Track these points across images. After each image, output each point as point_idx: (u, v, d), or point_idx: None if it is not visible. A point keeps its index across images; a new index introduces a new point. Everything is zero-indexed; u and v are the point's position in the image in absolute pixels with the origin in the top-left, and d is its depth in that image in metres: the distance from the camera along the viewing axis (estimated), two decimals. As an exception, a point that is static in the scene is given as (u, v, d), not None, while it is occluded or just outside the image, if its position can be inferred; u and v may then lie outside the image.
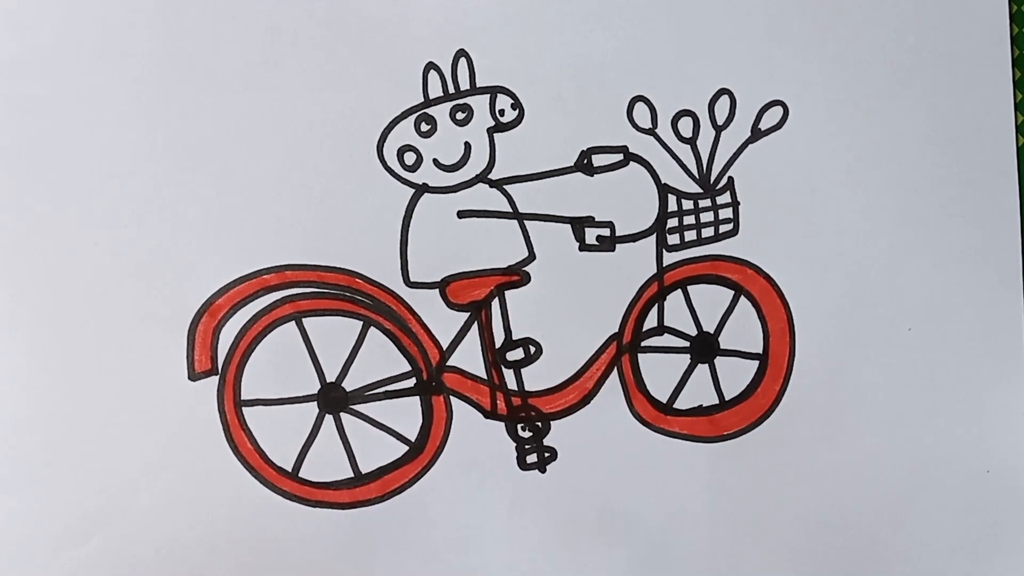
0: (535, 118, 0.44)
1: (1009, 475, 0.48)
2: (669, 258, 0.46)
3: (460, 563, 0.46)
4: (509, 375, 0.46)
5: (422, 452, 0.45)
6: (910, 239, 0.47)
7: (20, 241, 0.43)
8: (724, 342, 0.47)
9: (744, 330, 0.47)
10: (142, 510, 0.44)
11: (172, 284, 0.44)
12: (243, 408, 0.44)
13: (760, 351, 0.47)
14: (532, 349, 0.46)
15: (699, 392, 0.47)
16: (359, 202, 0.44)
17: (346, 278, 0.44)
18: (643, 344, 0.46)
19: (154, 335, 0.44)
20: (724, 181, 0.46)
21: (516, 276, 0.45)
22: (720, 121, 0.45)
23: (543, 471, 0.46)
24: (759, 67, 0.45)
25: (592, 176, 0.45)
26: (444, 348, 0.45)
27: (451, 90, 0.44)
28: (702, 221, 0.46)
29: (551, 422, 0.46)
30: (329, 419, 0.45)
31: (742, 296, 0.46)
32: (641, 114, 0.45)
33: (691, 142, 0.45)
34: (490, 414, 0.46)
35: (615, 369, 0.46)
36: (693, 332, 0.47)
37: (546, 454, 0.46)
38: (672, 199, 0.46)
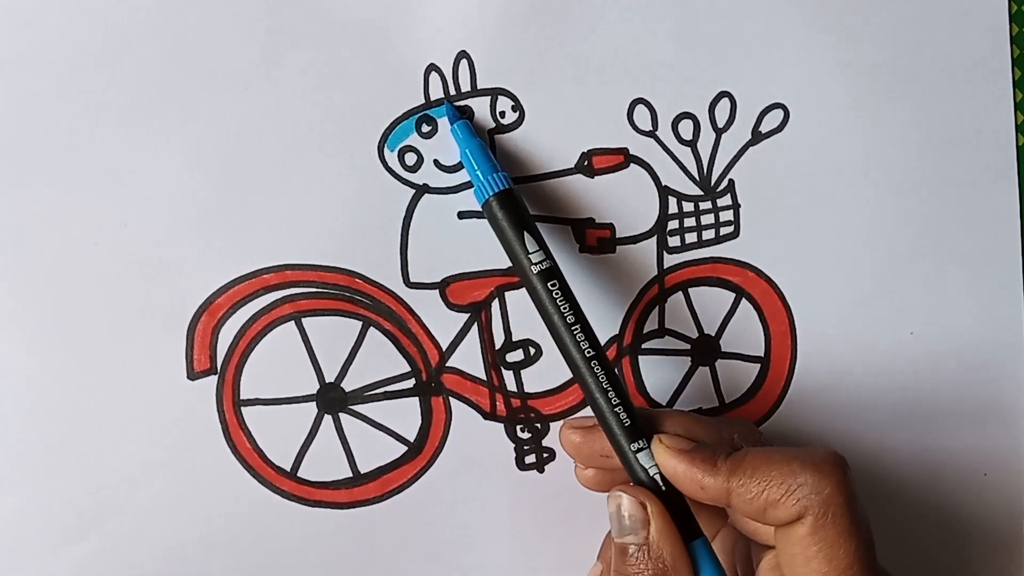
0: (536, 120, 0.44)
1: (1006, 478, 0.48)
2: (670, 260, 0.46)
3: (458, 562, 0.46)
4: (509, 376, 0.46)
5: (421, 452, 0.45)
6: (911, 242, 0.47)
7: (19, 240, 0.43)
8: (725, 345, 0.47)
9: (745, 333, 0.47)
10: (140, 509, 0.44)
11: (171, 283, 0.43)
12: (242, 408, 0.44)
13: (761, 354, 0.47)
14: (532, 350, 0.46)
15: (699, 394, 0.47)
16: (359, 202, 0.44)
17: (346, 278, 0.44)
18: (643, 346, 0.46)
19: (153, 334, 0.44)
20: (725, 183, 0.46)
21: (516, 277, 0.45)
22: (721, 124, 0.45)
23: (541, 471, 0.46)
24: (759, 70, 0.45)
25: (592, 178, 0.45)
26: (443, 349, 0.45)
27: (452, 91, 0.44)
28: (703, 223, 0.46)
29: (550, 423, 0.46)
30: (328, 419, 0.45)
31: (743, 299, 0.46)
32: (641, 116, 0.45)
33: (692, 144, 0.45)
34: (489, 415, 0.46)
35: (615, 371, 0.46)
36: (694, 334, 0.47)
37: (545, 455, 0.46)
38: (673, 201, 0.46)
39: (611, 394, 0.40)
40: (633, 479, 0.40)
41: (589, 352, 0.40)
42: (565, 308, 0.41)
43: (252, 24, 0.43)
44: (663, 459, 0.39)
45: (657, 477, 0.40)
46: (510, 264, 0.43)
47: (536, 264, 0.41)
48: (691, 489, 0.39)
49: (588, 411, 0.41)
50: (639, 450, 0.40)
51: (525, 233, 0.41)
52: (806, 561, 0.37)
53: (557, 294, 0.41)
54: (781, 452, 0.38)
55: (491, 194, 0.42)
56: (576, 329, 0.41)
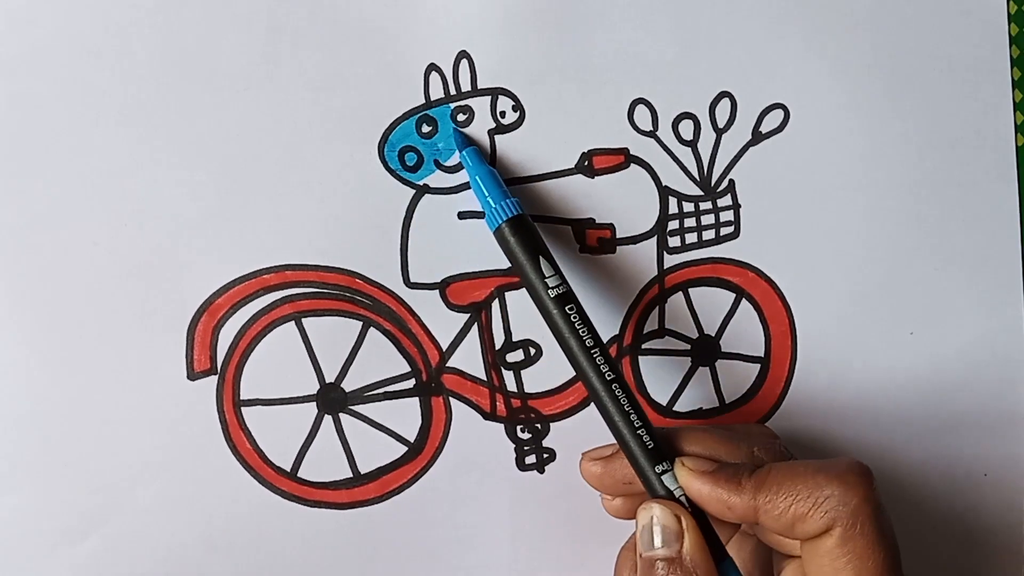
0: (536, 120, 0.44)
1: (1006, 479, 0.48)
2: (670, 260, 0.46)
3: (459, 563, 0.46)
4: (509, 377, 0.46)
5: (421, 453, 0.45)
6: (911, 242, 0.47)
7: (19, 240, 0.43)
8: (725, 345, 0.47)
9: (745, 333, 0.47)
10: (140, 509, 0.44)
11: (171, 283, 0.43)
12: (242, 408, 0.44)
13: (761, 354, 0.47)
14: (532, 351, 0.46)
15: (699, 395, 0.47)
16: (359, 202, 0.44)
17: (346, 278, 0.44)
18: (644, 347, 0.46)
19: (153, 334, 0.44)
20: (725, 184, 0.46)
21: (516, 278, 0.45)
22: (721, 124, 0.45)
23: (542, 472, 0.46)
24: (760, 70, 0.45)
25: (593, 178, 0.45)
26: (444, 349, 0.45)
27: (452, 91, 0.44)
28: (703, 224, 0.46)
29: (550, 424, 0.46)
30: (328, 419, 0.45)
31: (743, 299, 0.46)
32: (642, 116, 0.45)
33: (692, 144, 0.45)
34: (489, 415, 0.46)
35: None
36: (694, 335, 0.47)
37: (545, 455, 0.46)
38: (673, 201, 0.46)
39: (633, 417, 0.40)
40: None
41: (610, 375, 0.40)
42: (584, 332, 0.40)
43: (252, 24, 0.43)
44: (687, 481, 0.39)
45: (683, 499, 0.39)
46: (510, 264, 0.43)
47: (553, 288, 0.41)
48: (718, 509, 0.39)
49: (600, 439, 0.41)
50: (663, 472, 0.40)
51: (540, 258, 0.41)
52: (834, 572, 0.37)
53: (575, 318, 0.40)
54: (804, 465, 0.38)
55: (503, 220, 0.41)
56: (596, 353, 0.40)
